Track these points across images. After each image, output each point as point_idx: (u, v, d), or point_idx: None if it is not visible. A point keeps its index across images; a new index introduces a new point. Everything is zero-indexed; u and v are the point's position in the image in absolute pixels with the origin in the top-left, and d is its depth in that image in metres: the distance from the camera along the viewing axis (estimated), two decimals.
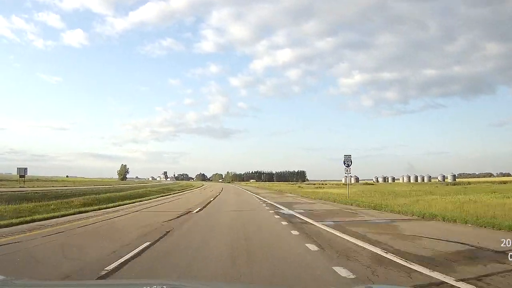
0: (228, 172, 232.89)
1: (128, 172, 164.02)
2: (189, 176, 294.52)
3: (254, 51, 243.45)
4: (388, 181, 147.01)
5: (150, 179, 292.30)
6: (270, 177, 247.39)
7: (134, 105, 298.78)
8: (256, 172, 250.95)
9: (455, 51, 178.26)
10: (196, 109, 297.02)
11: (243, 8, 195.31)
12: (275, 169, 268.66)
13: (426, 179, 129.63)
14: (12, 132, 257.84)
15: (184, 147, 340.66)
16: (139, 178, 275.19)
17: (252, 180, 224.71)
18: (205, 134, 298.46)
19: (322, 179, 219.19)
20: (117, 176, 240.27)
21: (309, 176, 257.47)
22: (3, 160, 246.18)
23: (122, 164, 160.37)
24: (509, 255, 6.23)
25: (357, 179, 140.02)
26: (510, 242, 6.93)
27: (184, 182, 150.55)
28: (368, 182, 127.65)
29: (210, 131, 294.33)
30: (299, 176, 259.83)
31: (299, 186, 77.97)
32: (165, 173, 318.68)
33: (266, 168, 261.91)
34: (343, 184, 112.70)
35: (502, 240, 7.17)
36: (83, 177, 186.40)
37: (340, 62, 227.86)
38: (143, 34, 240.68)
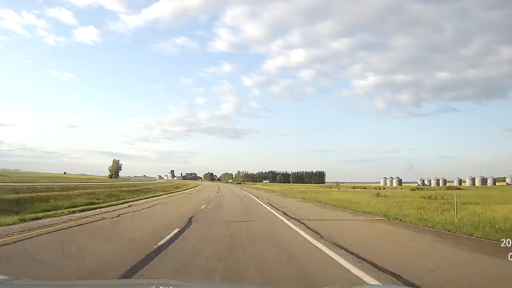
0: (239, 172, 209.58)
1: (120, 169, 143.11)
2: (197, 175, 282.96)
3: (267, 51, 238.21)
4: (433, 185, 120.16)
5: (157, 178, 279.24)
6: (285, 177, 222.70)
7: (146, 103, 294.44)
8: (270, 172, 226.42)
9: (469, 55, 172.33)
10: (208, 109, 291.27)
11: (258, 7, 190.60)
12: (290, 169, 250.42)
13: (490, 182, 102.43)
14: (23, 129, 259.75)
15: (195, 147, 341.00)
16: (146, 177, 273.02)
17: (265, 181, 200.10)
18: (216, 134, 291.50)
19: (341, 181, 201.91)
20: (131, 175, 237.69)
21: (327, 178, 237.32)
22: (13, 156, 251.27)
23: (114, 160, 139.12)
24: (509, 255, 6.05)
25: (400, 182, 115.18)
26: (510, 242, 6.77)
27: (179, 181, 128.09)
28: (412, 185, 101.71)
29: (222, 131, 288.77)
30: (318, 177, 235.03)
31: (331, 190, 53.65)
32: (172, 171, 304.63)
33: (280, 168, 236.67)
34: (382, 187, 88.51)
35: (502, 240, 7.01)
36: (84, 174, 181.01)
37: (355, 64, 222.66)
38: (156, 32, 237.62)
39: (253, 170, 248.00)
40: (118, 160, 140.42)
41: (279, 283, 4.92)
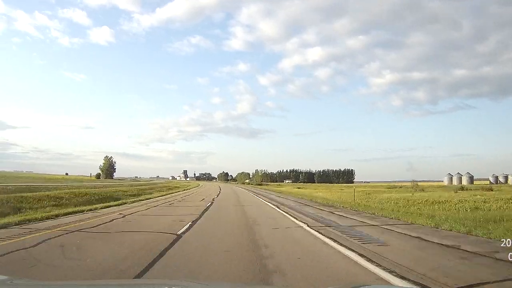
0: (257, 171, 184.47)
1: (114, 168, 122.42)
2: (212, 175, 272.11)
3: (283, 49, 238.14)
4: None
5: (170, 178, 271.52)
6: (310, 177, 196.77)
7: (161, 104, 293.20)
8: (292, 171, 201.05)
9: (485, 51, 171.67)
10: (223, 108, 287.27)
11: (273, 5, 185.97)
12: (314, 167, 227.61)
13: None
14: (37, 131, 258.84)
15: (211, 147, 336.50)
16: (160, 177, 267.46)
17: (287, 181, 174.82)
18: (232, 134, 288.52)
19: (371, 180, 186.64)
20: (145, 175, 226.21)
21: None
22: (27, 158, 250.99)
23: (106, 157, 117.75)
24: (509, 255, 6.06)
25: (471, 179, 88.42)
26: (510, 242, 6.83)
27: (187, 182, 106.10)
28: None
29: (238, 131, 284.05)
30: (347, 176, 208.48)
31: (413, 194, 27.88)
32: (185, 172, 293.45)
33: (303, 167, 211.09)
34: (462, 186, 62.47)
35: (502, 240, 7.16)
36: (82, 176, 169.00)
37: (371, 62, 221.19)
38: (170, 31, 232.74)
39: (273, 169, 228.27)
40: (111, 158, 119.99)
41: None
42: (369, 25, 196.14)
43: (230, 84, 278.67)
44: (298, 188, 64.91)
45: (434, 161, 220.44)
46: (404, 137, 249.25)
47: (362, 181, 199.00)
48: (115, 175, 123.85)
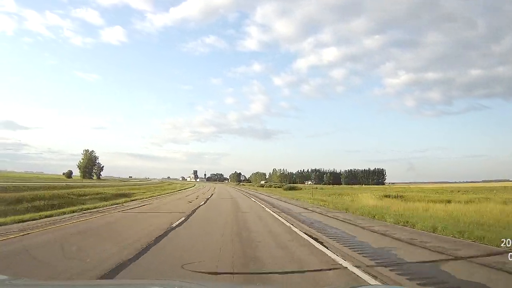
0: (274, 170, 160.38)
1: (95, 164, 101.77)
2: (224, 176, 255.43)
3: (299, 49, 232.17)
4: None
5: (181, 179, 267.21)
6: (335, 177, 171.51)
7: (175, 104, 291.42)
8: (315, 171, 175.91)
9: (500, 51, 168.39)
10: (237, 109, 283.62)
11: (289, 4, 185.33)
12: (339, 166, 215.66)
13: None
14: (49, 132, 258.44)
15: (225, 148, 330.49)
16: (170, 178, 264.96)
17: (309, 182, 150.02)
18: (246, 135, 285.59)
19: (400, 181, 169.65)
20: (158, 176, 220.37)
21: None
22: (41, 159, 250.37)
23: (86, 151, 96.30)
24: (509, 255, 6.10)
25: None
26: (510, 242, 6.79)
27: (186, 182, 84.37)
28: None
29: (252, 132, 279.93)
30: (377, 176, 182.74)
31: None
32: (195, 172, 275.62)
33: (323, 166, 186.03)
34: None
35: (502, 240, 7.07)
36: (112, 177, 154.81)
37: (387, 62, 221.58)
38: (184, 31, 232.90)
39: (291, 168, 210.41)
40: (92, 152, 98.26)
41: None
42: (385, 24, 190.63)
43: (244, 85, 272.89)
44: (339, 194, 41.29)
45: (447, 162, 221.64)
46: (417, 138, 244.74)
47: (392, 183, 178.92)
48: (123, 174, 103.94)
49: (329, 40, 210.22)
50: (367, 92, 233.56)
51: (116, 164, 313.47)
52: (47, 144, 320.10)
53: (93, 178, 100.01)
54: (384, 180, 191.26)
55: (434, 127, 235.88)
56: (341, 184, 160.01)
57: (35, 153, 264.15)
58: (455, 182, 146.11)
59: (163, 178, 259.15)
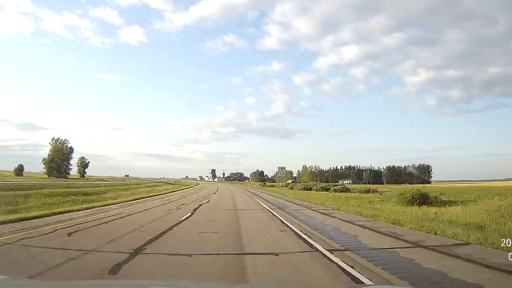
0: (304, 167, 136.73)
1: (69, 159, 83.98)
2: (244, 175, 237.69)
3: (319, 48, 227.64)
4: None
5: (198, 179, 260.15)
6: (376, 175, 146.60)
7: (195, 105, 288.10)
8: (350, 168, 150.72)
9: None
10: (257, 109, 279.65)
11: (308, 2, 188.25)
12: (377, 163, 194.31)
13: None
14: (68, 132, 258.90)
15: (245, 148, 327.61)
16: (188, 178, 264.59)
17: (346, 181, 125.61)
18: (266, 135, 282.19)
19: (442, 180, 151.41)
20: (176, 176, 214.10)
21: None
22: None
23: (57, 140, 75.36)
24: (509, 255, 6.21)
25: None
26: (510, 242, 6.99)
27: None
28: None
29: (272, 131, 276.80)
30: (422, 174, 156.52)
31: None
32: (212, 171, 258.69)
33: (361, 163, 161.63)
34: None
35: (502, 240, 7.30)
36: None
37: (406, 60, 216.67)
38: (203, 30, 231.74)
39: (325, 165, 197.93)
40: (65, 141, 77.86)
41: None
42: (404, 22, 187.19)
43: (263, 84, 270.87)
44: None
45: (465, 161, 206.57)
46: (437, 137, 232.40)
47: (439, 181, 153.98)
48: (125, 173, 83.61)
49: (349, 38, 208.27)
50: (387, 91, 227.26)
51: (134, 164, 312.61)
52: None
53: (68, 176, 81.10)
54: (430, 178, 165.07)
55: (454, 126, 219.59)
56: (382, 183, 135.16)
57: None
58: (476, 181, 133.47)
59: (181, 178, 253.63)
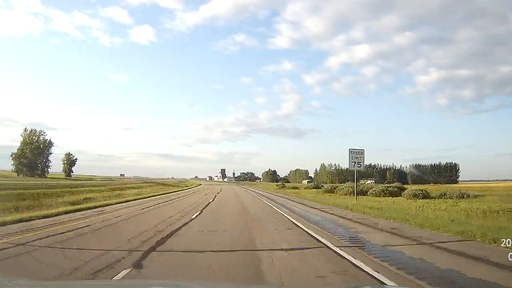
0: (323, 166, 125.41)
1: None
2: (255, 175, 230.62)
3: (330, 47, 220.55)
4: None
5: (207, 179, 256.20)
6: (400, 175, 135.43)
7: (206, 104, 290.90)
8: (373, 167, 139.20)
9: None
10: (268, 108, 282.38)
11: (320, 1, 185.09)
12: (398, 161, 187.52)
13: None
14: (77, 132, 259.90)
15: (256, 148, 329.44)
16: (197, 178, 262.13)
17: (369, 181, 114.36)
18: (277, 134, 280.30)
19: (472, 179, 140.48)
20: (187, 176, 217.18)
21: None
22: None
23: (31, 132, 65.62)
24: (509, 255, 6.12)
25: None
26: (510, 242, 6.91)
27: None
28: None
29: (283, 131, 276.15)
30: (449, 173, 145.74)
31: None
32: (222, 171, 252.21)
33: (382, 160, 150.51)
34: None
35: (502, 240, 7.23)
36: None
37: (418, 59, 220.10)
38: (214, 29, 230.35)
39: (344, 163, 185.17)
40: (41, 133, 68.74)
41: None
42: (416, 20, 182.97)
43: (274, 83, 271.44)
44: None
45: (478, 161, 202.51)
46: (449, 137, 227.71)
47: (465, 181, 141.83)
48: (122, 172, 73.82)
49: (360, 37, 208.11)
50: (398, 90, 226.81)
51: (144, 164, 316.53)
52: (74, 145, 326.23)
53: (46, 174, 71.75)
54: (458, 178, 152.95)
55: (465, 126, 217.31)
56: (407, 183, 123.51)
57: (63, 154, 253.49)
58: (488, 181, 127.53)
59: (191, 178, 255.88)
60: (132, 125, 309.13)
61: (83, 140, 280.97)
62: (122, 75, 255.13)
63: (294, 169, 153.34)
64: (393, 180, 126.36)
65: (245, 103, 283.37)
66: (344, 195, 33.04)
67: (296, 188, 52.17)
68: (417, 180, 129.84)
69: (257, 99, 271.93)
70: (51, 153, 75.98)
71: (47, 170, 75.70)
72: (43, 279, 4.45)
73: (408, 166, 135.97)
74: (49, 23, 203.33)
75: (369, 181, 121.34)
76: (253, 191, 48.20)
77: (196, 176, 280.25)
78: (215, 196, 28.57)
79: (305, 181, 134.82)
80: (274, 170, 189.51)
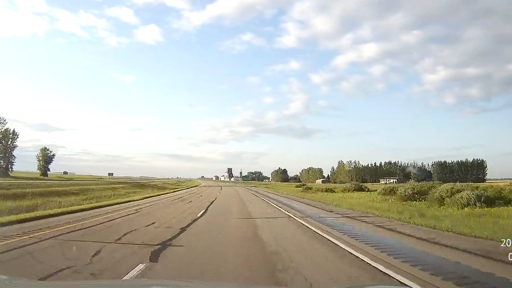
0: (341, 164, 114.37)
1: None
2: (263, 174, 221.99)
3: (338, 46, 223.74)
4: None
5: (214, 178, 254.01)
6: (424, 174, 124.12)
7: (213, 104, 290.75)
8: (393, 164, 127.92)
9: None
10: (276, 108, 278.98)
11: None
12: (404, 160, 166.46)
13: None
14: (84, 133, 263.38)
15: (263, 148, 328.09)
16: (204, 178, 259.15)
17: (390, 180, 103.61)
18: (285, 134, 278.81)
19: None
20: (194, 176, 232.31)
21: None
22: (74, 160, 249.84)
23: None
24: (509, 255, 6.05)
25: None
26: (510, 242, 6.78)
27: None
28: None
29: (290, 131, 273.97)
30: (476, 170, 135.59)
31: None
32: (229, 170, 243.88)
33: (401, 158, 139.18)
34: None
35: (502, 240, 7.05)
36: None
37: (425, 58, 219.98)
38: (221, 29, 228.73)
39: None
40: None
41: None
42: (424, 19, 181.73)
43: (282, 83, 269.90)
44: None
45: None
46: (456, 136, 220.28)
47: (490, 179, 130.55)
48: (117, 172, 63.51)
49: (368, 36, 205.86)
50: (406, 89, 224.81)
51: (151, 164, 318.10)
52: (81, 145, 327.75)
53: (10, 172, 62.37)
54: (485, 176, 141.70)
55: (472, 125, 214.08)
56: (432, 181, 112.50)
57: (69, 155, 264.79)
58: (496, 180, 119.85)
59: (198, 178, 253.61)
60: (139, 126, 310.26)
61: (90, 140, 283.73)
62: (129, 75, 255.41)
63: (306, 168, 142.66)
64: (417, 178, 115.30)
65: (252, 103, 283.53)
66: (402, 202, 21.92)
67: (332, 191, 38.31)
68: (443, 178, 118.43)
69: (264, 99, 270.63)
70: (16, 146, 67.11)
71: (10, 167, 66.62)
72: None
73: (431, 164, 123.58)
74: (55, 23, 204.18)
75: (391, 180, 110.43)
76: (272, 197, 31.80)
77: (203, 176, 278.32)
78: (208, 207, 19.05)
79: (319, 181, 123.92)
80: (284, 169, 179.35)
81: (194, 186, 71.40)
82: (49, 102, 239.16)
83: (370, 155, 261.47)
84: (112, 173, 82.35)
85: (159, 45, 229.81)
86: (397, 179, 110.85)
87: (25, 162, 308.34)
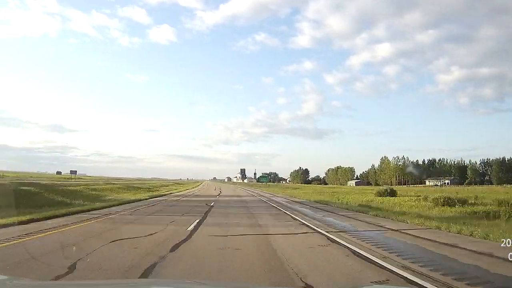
0: (385, 160, 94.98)
1: None
2: (278, 175, 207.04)
3: (352, 46, 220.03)
4: None
5: (226, 180, 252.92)
6: (461, 172, 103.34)
7: (226, 105, 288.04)
8: (434, 162, 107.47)
9: None
10: (289, 109, 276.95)
11: None
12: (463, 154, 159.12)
13: None
14: (97, 134, 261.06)
15: (276, 148, 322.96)
16: (216, 179, 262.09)
17: (447, 181, 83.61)
18: (298, 135, 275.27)
19: None
20: (206, 177, 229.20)
21: None
22: (88, 162, 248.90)
23: None
24: (509, 255, 6.10)
25: None
26: (510, 242, 6.87)
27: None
28: None
29: (304, 131, 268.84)
30: None
31: None
32: (242, 171, 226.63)
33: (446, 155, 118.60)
34: None
35: (502, 240, 7.27)
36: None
37: (440, 57, 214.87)
38: (235, 29, 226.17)
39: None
40: None
41: None
42: (440, 18, 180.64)
43: (295, 84, 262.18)
44: None
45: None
46: (469, 136, 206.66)
47: None
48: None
49: (382, 36, 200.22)
50: (419, 90, 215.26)
51: (164, 166, 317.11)
52: (94, 146, 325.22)
53: None
54: None
55: (486, 125, 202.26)
56: (487, 182, 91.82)
57: (82, 156, 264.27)
58: None
59: (210, 179, 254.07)
60: (152, 127, 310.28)
61: (104, 141, 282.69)
62: (141, 75, 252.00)
63: (334, 167, 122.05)
64: (474, 179, 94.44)
65: (265, 103, 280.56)
66: None
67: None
68: (504, 178, 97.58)
69: (278, 100, 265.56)
70: None
71: None
72: None
73: (492, 159, 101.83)
74: (67, 23, 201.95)
75: (447, 181, 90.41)
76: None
77: (215, 177, 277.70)
78: None
79: (351, 182, 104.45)
80: (306, 169, 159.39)
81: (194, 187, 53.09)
82: (61, 103, 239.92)
83: (381, 155, 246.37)
84: (76, 172, 62.27)
85: (172, 45, 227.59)
86: (450, 180, 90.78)
87: (37, 164, 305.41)
